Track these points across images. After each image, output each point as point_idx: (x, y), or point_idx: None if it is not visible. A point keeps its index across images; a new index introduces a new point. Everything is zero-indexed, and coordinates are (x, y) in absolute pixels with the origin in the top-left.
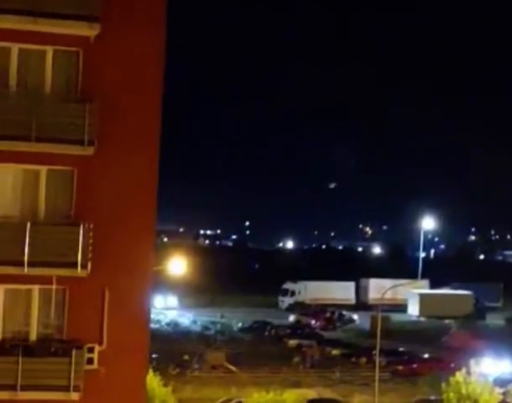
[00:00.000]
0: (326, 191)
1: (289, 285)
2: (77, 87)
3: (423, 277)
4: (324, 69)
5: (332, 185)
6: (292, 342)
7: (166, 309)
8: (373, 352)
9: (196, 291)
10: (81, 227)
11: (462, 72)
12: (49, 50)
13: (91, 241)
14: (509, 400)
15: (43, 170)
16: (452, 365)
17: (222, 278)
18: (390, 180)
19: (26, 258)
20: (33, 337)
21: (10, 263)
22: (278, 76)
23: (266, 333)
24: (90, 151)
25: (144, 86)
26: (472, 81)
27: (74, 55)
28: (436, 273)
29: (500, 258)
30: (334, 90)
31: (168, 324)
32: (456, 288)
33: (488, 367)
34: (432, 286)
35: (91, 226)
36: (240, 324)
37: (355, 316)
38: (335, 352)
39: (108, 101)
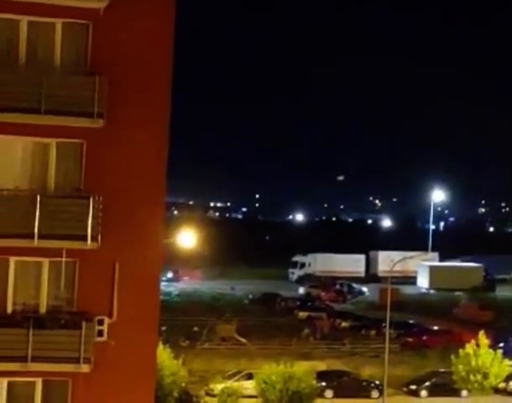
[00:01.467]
0: (336, 165)
1: (298, 258)
2: (87, 60)
3: (433, 250)
4: None
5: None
6: (302, 315)
7: (176, 281)
8: (383, 324)
9: (206, 264)
10: (91, 199)
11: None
12: (59, 23)
13: (100, 214)
14: None
15: (52, 142)
16: (462, 337)
17: (232, 250)
18: (400, 152)
19: (36, 230)
20: (43, 309)
21: (20, 235)
22: None
23: (276, 305)
24: (99, 124)
25: (154, 59)
26: (484, 48)
27: (83, 28)
28: (446, 245)
29: (510, 230)
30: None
31: (177, 296)
32: (465, 261)
33: (498, 339)
34: (442, 259)
35: (101, 198)
36: (250, 296)
37: (365, 289)
38: (345, 324)
39: (118, 73)
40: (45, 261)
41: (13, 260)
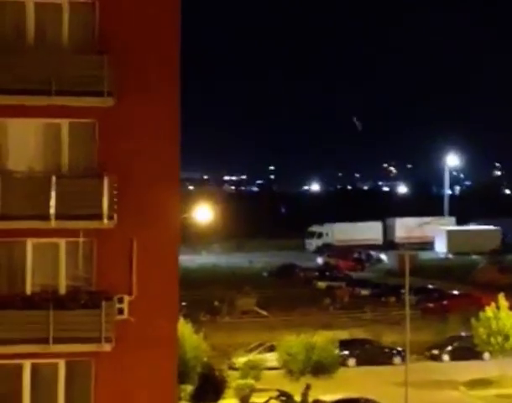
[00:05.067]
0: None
1: (315, 228)
2: (95, 39)
3: (450, 214)
4: None
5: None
6: (321, 284)
7: (195, 255)
8: (402, 290)
9: (223, 237)
10: (105, 178)
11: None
12: (65, 3)
13: (115, 192)
14: None
15: (64, 123)
16: (482, 301)
17: (249, 223)
18: (414, 117)
19: (52, 211)
20: (62, 290)
21: (37, 217)
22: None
23: (295, 276)
24: (110, 102)
25: (163, 35)
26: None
27: (90, 7)
28: (463, 210)
29: None
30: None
31: (196, 270)
32: (483, 224)
33: None
34: (458, 223)
35: (116, 177)
36: (269, 268)
37: (383, 256)
38: (364, 292)
39: (127, 50)
40: (62, 242)
41: (30, 242)
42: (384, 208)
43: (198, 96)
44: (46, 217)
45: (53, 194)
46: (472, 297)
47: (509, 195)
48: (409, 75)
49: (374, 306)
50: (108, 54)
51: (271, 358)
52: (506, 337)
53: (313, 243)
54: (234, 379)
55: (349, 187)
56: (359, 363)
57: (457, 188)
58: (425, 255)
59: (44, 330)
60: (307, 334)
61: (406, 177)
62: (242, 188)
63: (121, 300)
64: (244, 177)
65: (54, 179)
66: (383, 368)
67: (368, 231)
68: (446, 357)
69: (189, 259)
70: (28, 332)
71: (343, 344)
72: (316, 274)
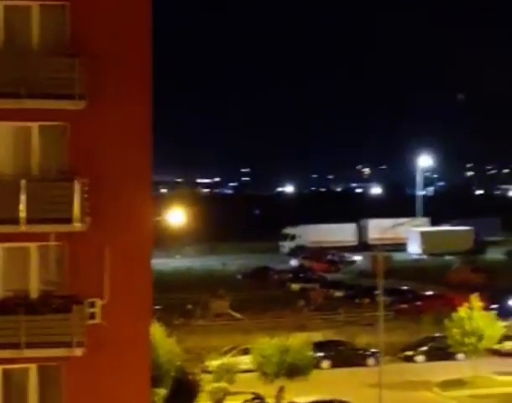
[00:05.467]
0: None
1: (289, 230)
2: (66, 42)
3: (423, 215)
4: None
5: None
6: (295, 287)
7: (169, 258)
8: (376, 292)
9: (197, 240)
10: (76, 181)
11: None
12: (35, 6)
13: (86, 195)
14: None
15: (35, 126)
16: (455, 301)
17: (222, 226)
18: (387, 119)
19: (22, 215)
20: (34, 294)
21: (7, 221)
22: None
23: (269, 279)
24: (81, 105)
25: (135, 39)
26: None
27: (61, 9)
28: (436, 210)
29: (498, 192)
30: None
31: (170, 274)
32: (455, 225)
33: (491, 300)
34: (432, 223)
35: (87, 180)
36: (242, 271)
37: (356, 257)
38: (338, 294)
39: (98, 54)
40: (33, 246)
41: (0, 247)
42: (358, 210)
43: (171, 98)
44: (16, 221)
45: (23, 198)
46: (445, 298)
47: (480, 195)
48: (381, 77)
49: (348, 308)
50: (80, 56)
51: (245, 361)
52: (480, 338)
53: (287, 246)
54: (208, 383)
55: (323, 189)
56: (333, 364)
57: (430, 189)
58: (398, 256)
59: (15, 335)
60: (281, 336)
61: (380, 178)
62: (216, 190)
63: (93, 305)
64: (218, 180)
65: (24, 183)
66: (357, 370)
67: (342, 232)
68: (419, 358)
69: (163, 263)
70: (0, 338)
71: (317, 346)
72: (290, 276)
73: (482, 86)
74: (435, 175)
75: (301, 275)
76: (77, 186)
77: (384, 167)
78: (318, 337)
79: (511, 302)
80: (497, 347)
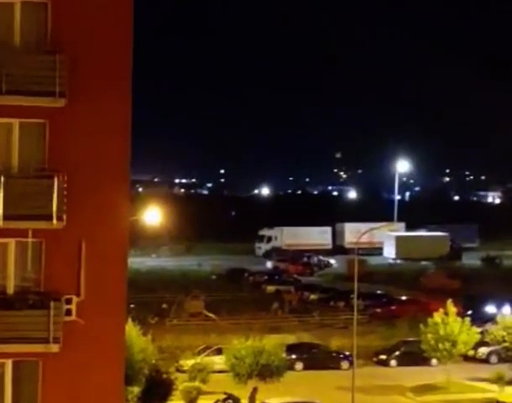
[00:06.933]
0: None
1: (265, 232)
2: (47, 39)
3: (399, 220)
4: None
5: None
6: (270, 288)
7: (145, 258)
8: (351, 295)
9: (173, 240)
10: (55, 178)
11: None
12: (17, 3)
13: (65, 193)
14: (487, 339)
15: (15, 123)
16: (430, 306)
17: (199, 226)
18: (364, 122)
19: (1, 211)
20: (10, 290)
21: None
22: None
23: (244, 280)
24: (61, 103)
25: (115, 36)
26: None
27: (42, 7)
28: (412, 215)
29: (475, 198)
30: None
31: (145, 273)
32: (431, 230)
33: (466, 306)
34: (408, 228)
35: (65, 177)
36: (218, 272)
37: (332, 261)
38: (313, 296)
39: (79, 50)
40: (11, 242)
41: None
42: (334, 213)
43: (149, 97)
44: None
45: (1, 194)
46: (420, 303)
47: (457, 201)
48: (357, 78)
49: (323, 311)
50: (60, 54)
51: (219, 362)
52: (454, 343)
53: (262, 247)
54: (181, 382)
55: (299, 192)
56: (306, 367)
57: (407, 194)
58: (374, 260)
59: None
60: (255, 338)
61: (356, 182)
62: (193, 191)
63: (69, 301)
64: (195, 180)
65: (2, 179)
66: (330, 373)
67: (318, 235)
68: (393, 362)
69: (139, 262)
70: None
71: (291, 348)
72: (265, 277)
73: (456, 91)
74: (411, 180)
75: (276, 277)
76: (56, 183)
77: (360, 171)
78: (292, 339)
79: (486, 308)
80: (471, 353)
